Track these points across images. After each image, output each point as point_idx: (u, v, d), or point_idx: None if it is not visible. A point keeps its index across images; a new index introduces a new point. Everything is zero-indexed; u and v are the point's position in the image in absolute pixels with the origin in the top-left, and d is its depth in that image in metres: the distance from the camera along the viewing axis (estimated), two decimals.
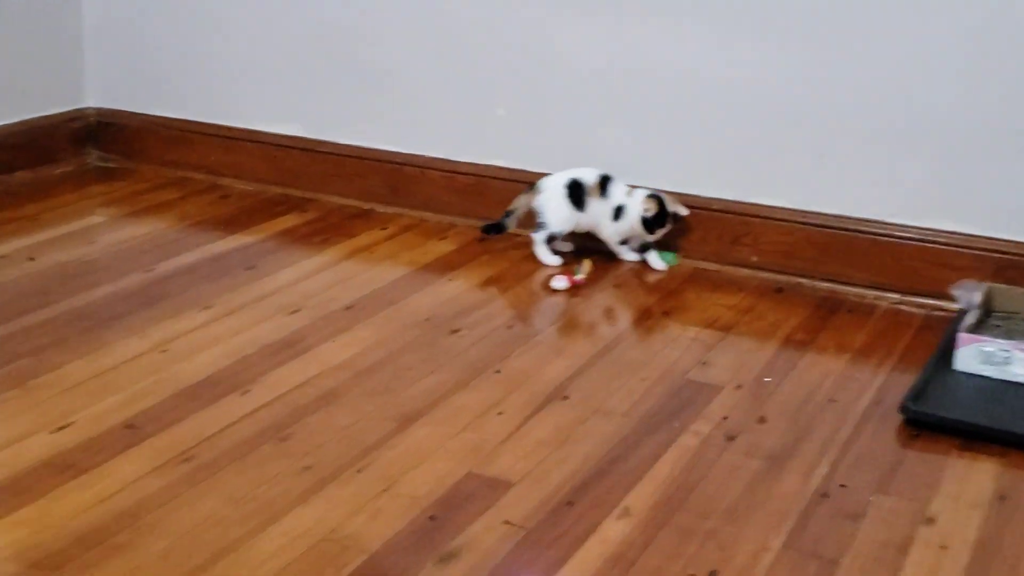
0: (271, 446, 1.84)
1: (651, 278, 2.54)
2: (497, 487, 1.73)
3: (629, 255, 2.60)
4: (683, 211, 2.52)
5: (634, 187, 2.54)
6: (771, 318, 2.35)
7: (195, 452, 1.81)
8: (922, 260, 2.40)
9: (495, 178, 2.80)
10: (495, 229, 2.66)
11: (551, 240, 2.59)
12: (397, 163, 2.93)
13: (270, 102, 3.08)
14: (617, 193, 2.53)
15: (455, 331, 2.27)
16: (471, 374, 2.09)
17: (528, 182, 2.67)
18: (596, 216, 2.56)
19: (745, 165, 2.54)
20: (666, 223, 2.51)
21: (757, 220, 2.54)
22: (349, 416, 1.93)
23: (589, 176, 2.56)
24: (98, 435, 1.84)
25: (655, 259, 2.57)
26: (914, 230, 2.40)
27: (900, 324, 2.33)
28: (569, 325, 2.34)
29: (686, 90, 2.56)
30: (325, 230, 2.81)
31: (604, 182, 2.54)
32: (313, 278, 2.52)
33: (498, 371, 2.11)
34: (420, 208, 2.91)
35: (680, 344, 2.23)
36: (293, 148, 3.05)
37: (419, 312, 2.35)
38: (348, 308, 2.36)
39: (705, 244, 2.60)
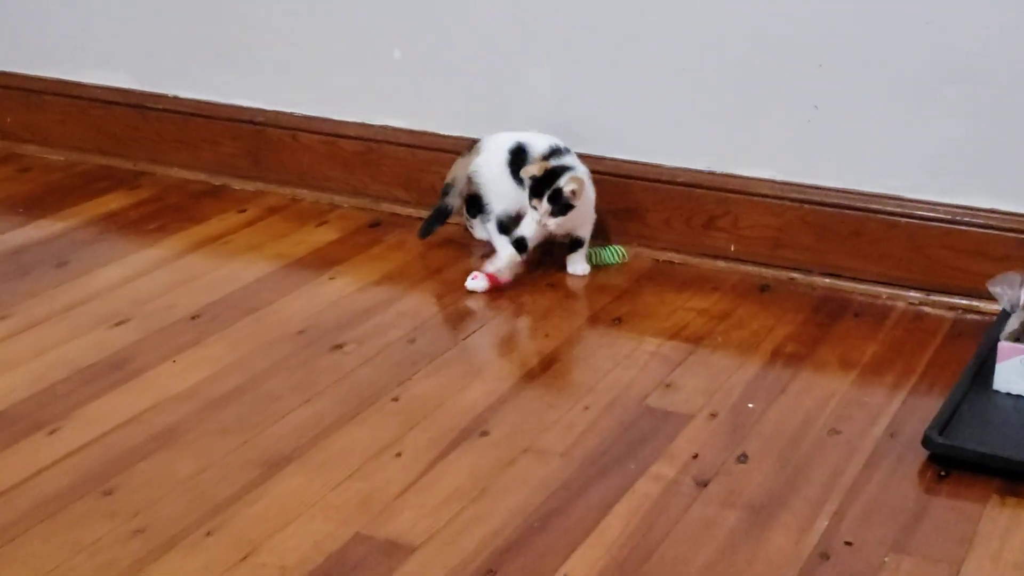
0: (89, 503, 1.83)
1: (599, 276, 2.55)
2: (394, 553, 1.73)
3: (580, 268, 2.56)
4: (568, 188, 2.40)
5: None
6: (755, 325, 2.37)
7: None
8: (951, 247, 2.44)
9: (391, 143, 2.81)
10: (437, 219, 2.59)
11: (505, 228, 2.54)
12: (259, 124, 2.92)
13: (87, 43, 3.05)
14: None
15: (338, 347, 2.27)
16: (359, 404, 2.09)
17: (436, 148, 2.69)
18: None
19: (720, 126, 2.57)
20: (543, 195, 2.42)
21: (736, 197, 2.56)
22: (195, 462, 1.93)
23: (539, 143, 2.53)
24: None
25: (576, 261, 2.53)
26: (941, 208, 2.44)
27: (923, 331, 2.36)
28: (490, 337, 2.34)
29: (643, 25, 2.57)
30: (162, 213, 2.81)
31: (552, 155, 2.50)
32: (146, 278, 2.51)
33: (395, 399, 2.11)
34: (291, 184, 2.91)
35: (636, 361, 2.24)
36: (118, 104, 3.03)
37: (290, 322, 2.35)
38: (194, 318, 2.36)
39: (669, 229, 2.62)
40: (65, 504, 1.82)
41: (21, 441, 1.96)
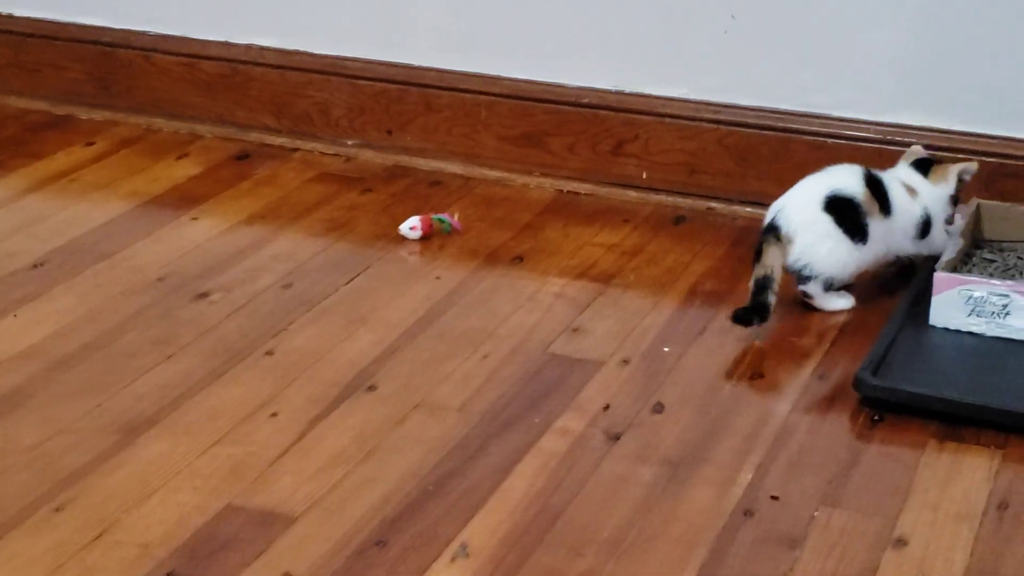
0: None
1: (496, 209, 2.56)
2: (272, 524, 1.74)
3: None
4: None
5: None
6: (669, 261, 2.39)
7: None
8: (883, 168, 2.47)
9: (260, 64, 2.79)
10: (757, 314, 2.17)
11: (830, 286, 2.25)
12: (107, 44, 2.89)
13: None
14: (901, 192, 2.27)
15: (203, 295, 2.27)
16: (229, 359, 2.09)
17: (309, 69, 2.69)
18: (889, 238, 2.27)
19: (627, 40, 2.57)
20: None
21: (646, 119, 2.57)
22: (40, 429, 1.92)
23: (851, 181, 2.24)
24: None
25: None
26: (871, 128, 2.46)
27: None
28: (375, 281, 2.34)
29: None
30: None
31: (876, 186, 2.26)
32: None
33: (270, 352, 2.11)
34: (145, 112, 2.89)
35: (539, 304, 2.26)
36: None
37: (147, 269, 2.34)
38: (36, 266, 2.34)
39: (573, 156, 2.63)
40: None
41: None
